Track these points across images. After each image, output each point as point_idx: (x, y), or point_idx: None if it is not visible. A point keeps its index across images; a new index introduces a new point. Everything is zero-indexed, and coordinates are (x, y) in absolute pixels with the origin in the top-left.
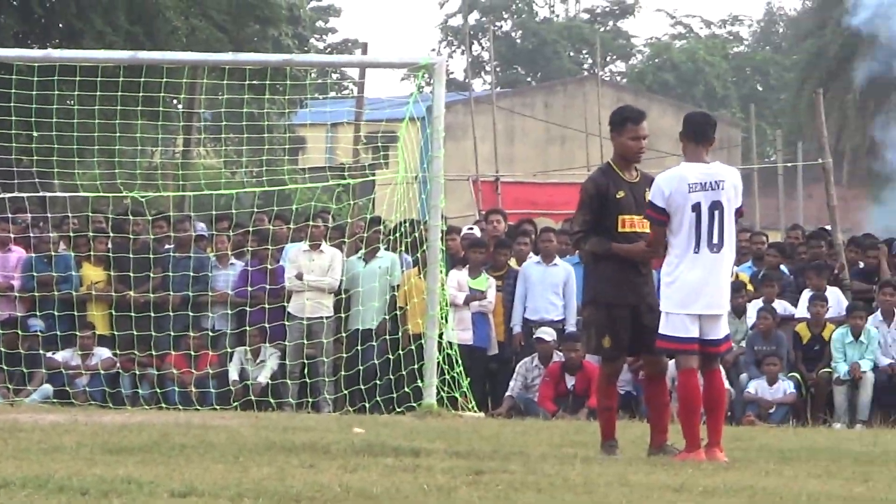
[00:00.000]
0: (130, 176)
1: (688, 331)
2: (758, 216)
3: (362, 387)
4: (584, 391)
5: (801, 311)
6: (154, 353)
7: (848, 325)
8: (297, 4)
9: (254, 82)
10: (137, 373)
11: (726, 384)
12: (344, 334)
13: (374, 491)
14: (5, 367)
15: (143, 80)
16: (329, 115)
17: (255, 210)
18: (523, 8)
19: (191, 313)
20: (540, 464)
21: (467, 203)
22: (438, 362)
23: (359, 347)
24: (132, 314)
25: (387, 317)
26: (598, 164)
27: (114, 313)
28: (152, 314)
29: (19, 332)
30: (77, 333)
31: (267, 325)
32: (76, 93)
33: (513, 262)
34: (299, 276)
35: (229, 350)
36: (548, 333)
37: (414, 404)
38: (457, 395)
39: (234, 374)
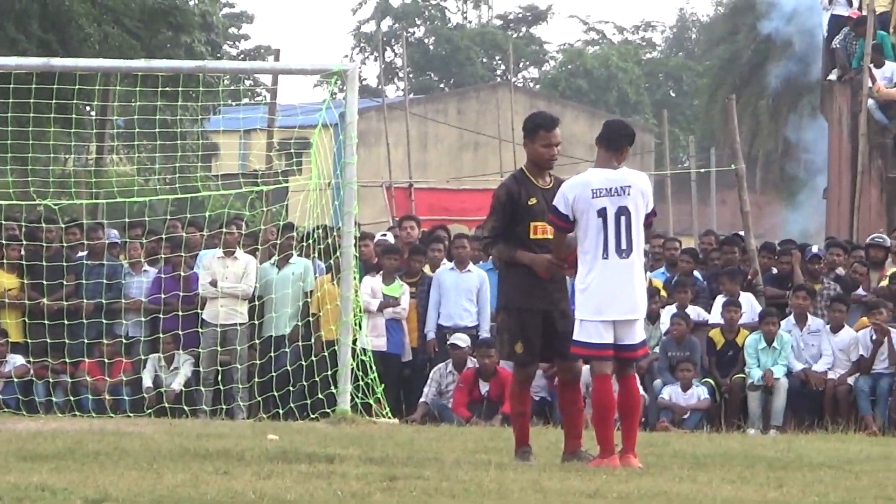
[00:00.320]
0: (43, 183)
1: (602, 337)
2: (671, 222)
3: (276, 393)
4: (499, 397)
5: (715, 316)
6: (68, 360)
7: (761, 330)
8: (210, 11)
9: (167, 89)
10: (51, 380)
11: (640, 390)
12: (258, 341)
13: (288, 497)
14: None
15: (55, 87)
16: (242, 122)
17: (169, 217)
18: (436, 14)
19: (104, 320)
20: (454, 470)
21: (381, 209)
22: (352, 369)
23: (272, 354)
24: (45, 321)
25: (300, 323)
26: (512, 171)
27: (27, 321)
28: (66, 321)
29: None
30: None
31: (180, 332)
32: None
33: (427, 269)
34: (213, 283)
35: (143, 357)
36: (462, 340)
37: (328, 411)
38: (371, 401)
39: (147, 381)
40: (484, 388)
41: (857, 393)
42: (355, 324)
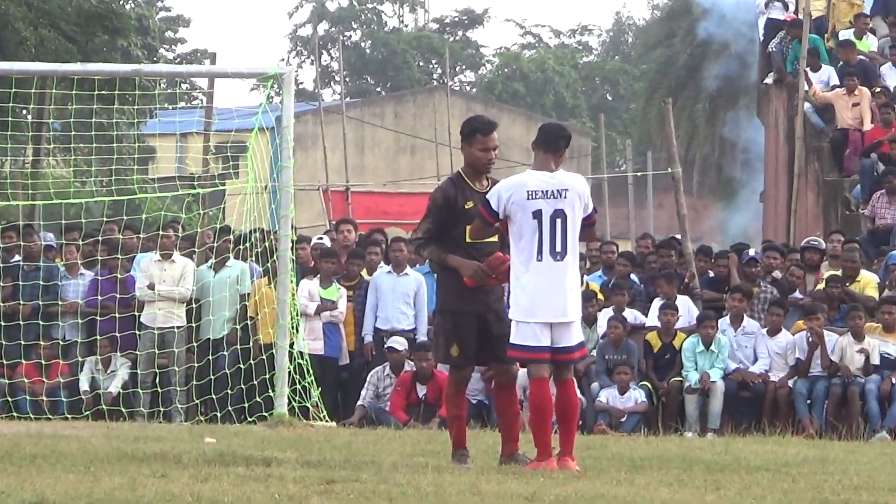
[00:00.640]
0: None
1: (538, 339)
2: (608, 225)
3: (214, 396)
4: (436, 400)
5: (652, 319)
6: (4, 362)
7: (699, 334)
8: (147, 15)
9: (103, 92)
10: None
11: (578, 393)
12: (195, 344)
13: (225, 500)
14: None
15: None
16: (178, 126)
17: (105, 220)
18: (372, 18)
19: (41, 323)
20: (391, 473)
21: (318, 213)
22: (289, 372)
23: (210, 357)
24: None
25: (237, 326)
26: (449, 174)
27: None
28: (2, 324)
29: None
30: None
31: (118, 335)
32: None
33: (364, 273)
34: (151, 286)
35: (80, 360)
36: (399, 343)
37: (265, 414)
38: (308, 404)
39: (84, 384)
40: (421, 391)
41: (795, 396)
42: (292, 327)
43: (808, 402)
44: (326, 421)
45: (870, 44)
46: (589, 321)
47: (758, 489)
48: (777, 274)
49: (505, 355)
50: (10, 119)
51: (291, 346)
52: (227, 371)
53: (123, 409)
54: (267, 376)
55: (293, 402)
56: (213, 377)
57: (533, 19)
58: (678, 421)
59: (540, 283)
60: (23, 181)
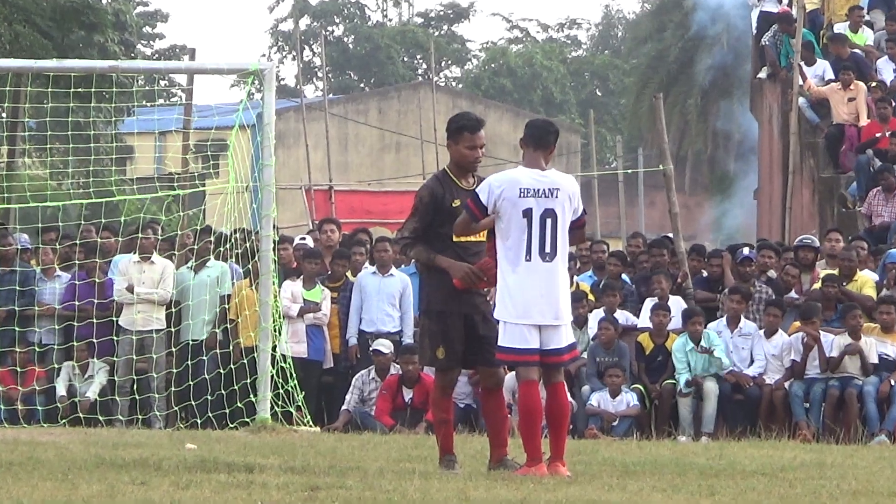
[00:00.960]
0: None
1: (527, 342)
2: (598, 224)
3: (193, 402)
4: (423, 404)
5: (644, 320)
6: None
7: (687, 331)
8: (124, 10)
9: (79, 90)
10: None
11: (568, 397)
12: (175, 349)
13: None
14: None
15: None
16: (157, 123)
17: (83, 221)
18: (355, 12)
19: (17, 328)
20: (377, 479)
21: (300, 212)
22: (272, 376)
23: (189, 362)
24: None
25: (217, 330)
26: (434, 172)
27: None
28: None
29: None
30: None
31: (95, 340)
32: None
33: (349, 274)
34: (130, 289)
35: (56, 365)
36: (384, 345)
37: (247, 419)
38: (291, 409)
39: (61, 390)
40: (407, 395)
41: (792, 398)
42: (275, 330)
43: (806, 404)
44: (310, 426)
45: (866, 37)
46: (579, 322)
47: (753, 495)
48: (772, 273)
49: (492, 358)
50: None
51: (274, 349)
52: (207, 377)
53: (101, 417)
54: (249, 381)
55: (276, 407)
56: (192, 382)
57: (520, 13)
58: (671, 424)
59: (528, 285)
60: None
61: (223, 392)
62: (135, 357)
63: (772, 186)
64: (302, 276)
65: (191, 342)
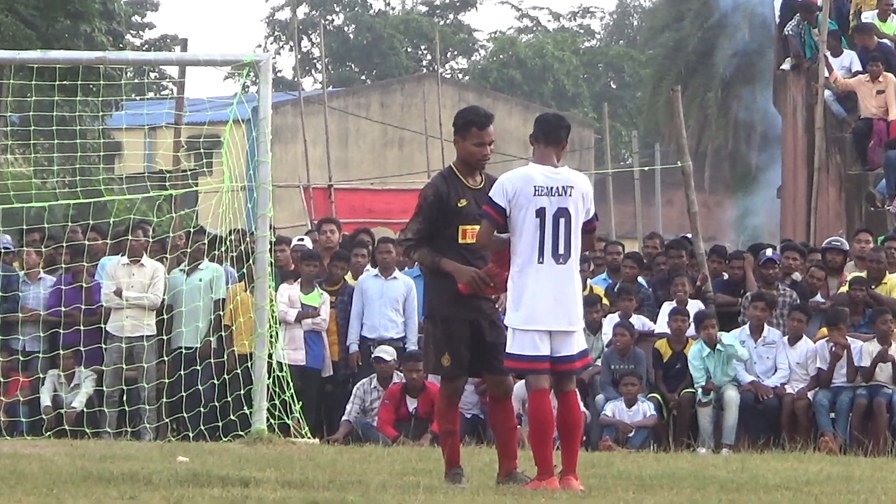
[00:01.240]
0: None
1: (537, 348)
2: (613, 224)
3: (186, 414)
4: (427, 414)
5: (661, 326)
6: None
7: (700, 336)
8: None
9: (65, 82)
10: None
11: (581, 406)
12: (166, 357)
13: None
14: None
15: None
16: (147, 118)
17: (69, 222)
18: (356, 0)
19: None
20: (380, 493)
21: (298, 212)
22: (268, 385)
23: (181, 372)
24: None
25: (211, 338)
26: (440, 169)
27: None
28: None
29: None
30: None
31: (82, 347)
32: None
33: (348, 276)
34: (118, 293)
35: (41, 374)
36: (387, 353)
37: (242, 432)
38: (288, 420)
39: (46, 401)
40: (411, 404)
41: (817, 408)
42: (271, 336)
43: (832, 414)
44: (309, 438)
45: (894, 26)
46: (593, 328)
47: None
48: (797, 276)
49: (500, 365)
50: None
51: (270, 356)
52: (201, 387)
53: (88, 429)
54: (244, 390)
55: (272, 418)
56: (185, 393)
57: (530, 1)
58: (690, 436)
59: (540, 288)
60: None
61: (216, 403)
62: (124, 365)
63: (796, 184)
64: (300, 280)
65: (183, 350)
